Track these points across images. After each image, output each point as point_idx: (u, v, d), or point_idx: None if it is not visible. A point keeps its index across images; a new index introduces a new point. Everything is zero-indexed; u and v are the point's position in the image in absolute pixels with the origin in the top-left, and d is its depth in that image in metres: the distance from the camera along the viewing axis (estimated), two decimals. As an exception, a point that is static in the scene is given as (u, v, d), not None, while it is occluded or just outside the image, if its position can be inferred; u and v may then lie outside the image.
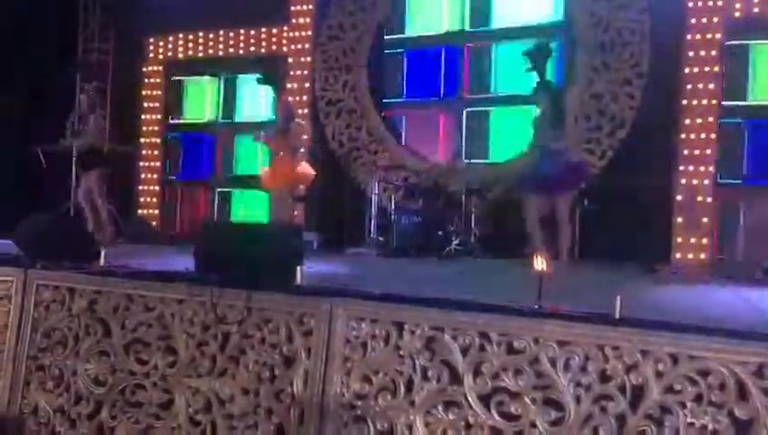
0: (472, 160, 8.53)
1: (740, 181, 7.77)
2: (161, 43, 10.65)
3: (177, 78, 10.79)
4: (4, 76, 9.37)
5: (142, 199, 10.53)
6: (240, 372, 3.63)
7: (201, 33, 10.39)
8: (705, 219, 7.56)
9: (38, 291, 4.24)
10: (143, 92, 10.67)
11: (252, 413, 3.56)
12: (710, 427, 2.72)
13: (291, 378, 3.50)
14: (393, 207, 8.25)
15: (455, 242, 7.78)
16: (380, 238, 8.23)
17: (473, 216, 8.04)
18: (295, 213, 7.18)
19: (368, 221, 8.55)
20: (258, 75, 6.73)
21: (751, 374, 2.70)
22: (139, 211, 10.41)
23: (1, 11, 9.57)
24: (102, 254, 4.47)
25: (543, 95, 5.65)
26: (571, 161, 5.70)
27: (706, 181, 7.60)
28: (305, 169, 6.62)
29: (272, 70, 7.34)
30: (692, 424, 2.75)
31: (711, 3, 7.65)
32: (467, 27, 9.07)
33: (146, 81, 10.69)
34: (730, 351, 2.74)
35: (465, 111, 9.05)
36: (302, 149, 6.93)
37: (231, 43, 10.24)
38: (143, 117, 10.66)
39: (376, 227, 8.37)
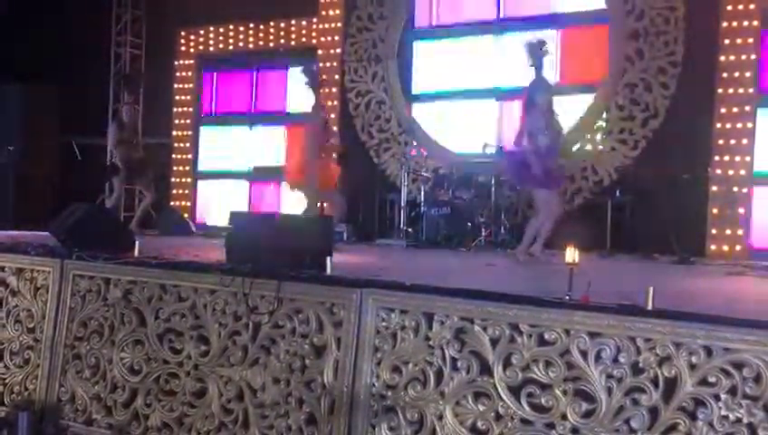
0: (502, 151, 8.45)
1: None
2: (192, 37, 10.76)
3: (208, 71, 10.89)
4: (40, 68, 9.54)
5: (175, 191, 10.67)
6: (271, 361, 3.67)
7: (231, 27, 10.47)
8: (741, 210, 7.43)
9: (74, 281, 4.33)
10: (175, 86, 10.80)
11: (283, 402, 3.60)
12: (745, 420, 2.68)
13: (321, 368, 3.53)
14: (423, 198, 8.24)
15: (484, 233, 7.75)
16: (410, 230, 8.23)
17: (503, 207, 8.00)
18: (325, 205, 7.20)
19: (397, 212, 8.55)
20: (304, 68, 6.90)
21: (787, 367, 2.65)
22: (172, 203, 10.55)
23: (36, 6, 9.76)
24: (137, 244, 4.53)
25: (543, 91, 5.67)
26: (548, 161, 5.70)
27: (743, 172, 7.46)
28: (333, 168, 6.75)
29: (313, 68, 7.46)
30: (726, 417, 2.71)
31: (747, -11, 7.49)
32: (502, 15, 8.97)
33: (177, 74, 10.81)
34: (765, 343, 2.69)
35: (499, 103, 8.98)
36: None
37: (261, 35, 10.30)
38: (174, 110, 10.78)
39: (405, 218, 8.37)
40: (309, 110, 7.04)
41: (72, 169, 10.11)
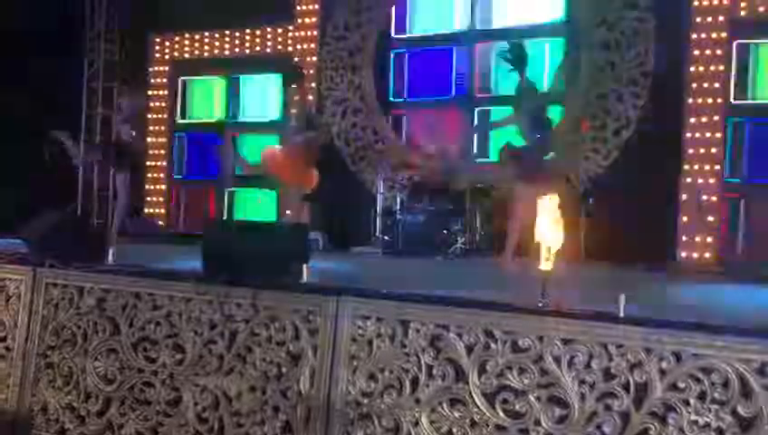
0: (477, 159, 8.52)
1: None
2: (167, 43, 10.70)
3: (182, 78, 10.83)
4: (12, 74, 9.42)
5: (149, 199, 10.58)
6: (247, 369, 3.66)
7: (207, 33, 10.44)
8: (710, 218, 7.56)
9: (47, 289, 4.29)
10: (149, 92, 10.72)
11: (259, 411, 3.59)
12: (713, 425, 2.74)
13: (297, 376, 3.53)
14: (398, 206, 8.27)
15: (460, 241, 7.80)
16: (386, 237, 8.25)
17: (478, 214, 8.06)
18: (303, 213, 7.22)
19: (373, 220, 8.57)
20: (287, 73, 6.90)
21: (754, 372, 2.71)
22: (146, 210, 10.46)
23: (8, 11, 9.64)
24: (111, 252, 4.50)
25: (526, 96, 5.71)
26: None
27: (712, 180, 7.60)
28: (313, 171, 6.74)
29: (298, 69, 7.50)
30: (695, 422, 2.76)
31: (716, 2, 7.64)
32: (477, 26, 9.06)
33: (152, 81, 10.74)
34: (733, 349, 2.76)
35: (474, 111, 9.06)
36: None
37: (237, 42, 10.28)
38: (149, 116, 10.70)
39: (381, 225, 8.39)
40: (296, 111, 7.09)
41: (44, 175, 9.98)
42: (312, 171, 6.84)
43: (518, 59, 5.78)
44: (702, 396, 2.77)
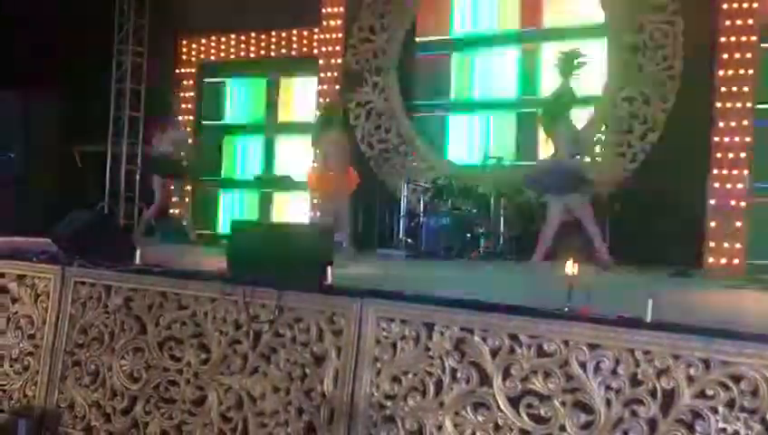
0: (502, 162, 8.49)
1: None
2: (194, 46, 10.81)
3: (210, 80, 10.94)
4: (41, 74, 9.58)
5: (175, 199, 10.68)
6: (271, 370, 3.68)
7: (233, 36, 10.53)
8: (738, 223, 7.46)
9: (75, 288, 4.34)
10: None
11: (282, 411, 3.61)
12: (742, 432, 2.69)
13: (321, 377, 3.54)
14: (422, 208, 8.26)
15: (483, 244, 7.78)
16: (409, 240, 8.25)
17: (502, 218, 8.03)
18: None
19: (397, 223, 8.58)
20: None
21: (784, 380, 2.67)
22: (171, 211, 10.56)
23: (37, 14, 9.80)
24: (138, 252, 4.55)
25: (568, 102, 5.73)
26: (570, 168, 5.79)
27: (740, 185, 7.50)
28: (353, 176, 6.93)
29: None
30: (724, 430, 2.72)
31: (746, 5, 7.55)
32: (501, 28, 9.02)
33: (179, 83, 10.86)
34: (763, 356, 2.71)
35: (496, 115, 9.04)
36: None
37: (263, 44, 10.36)
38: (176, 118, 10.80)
39: (405, 228, 8.39)
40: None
41: (73, 176, 10.14)
42: (352, 172, 7.06)
43: (571, 66, 5.79)
44: (731, 404, 2.73)
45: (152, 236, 8.78)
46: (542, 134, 6.71)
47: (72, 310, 4.32)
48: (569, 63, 5.85)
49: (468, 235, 7.83)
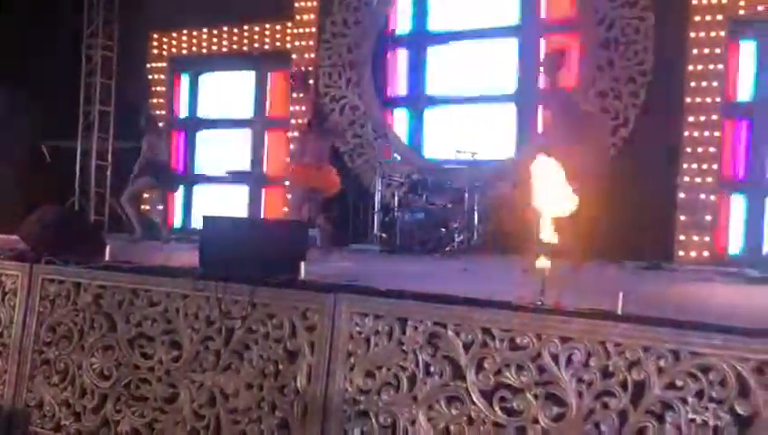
0: (475, 157, 8.52)
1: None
2: (165, 40, 10.67)
3: (180, 74, 10.82)
4: (11, 71, 9.40)
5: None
6: (244, 366, 3.65)
7: (205, 30, 10.41)
8: (708, 217, 7.56)
9: (43, 285, 4.27)
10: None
11: (255, 408, 3.59)
12: (711, 423, 2.73)
13: (294, 373, 3.53)
14: (396, 203, 8.26)
15: (458, 239, 7.80)
16: (383, 235, 8.25)
17: (476, 212, 8.06)
18: (304, 211, 7.28)
19: (371, 217, 8.56)
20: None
21: (752, 371, 2.70)
22: (143, 207, 10.43)
23: (7, 8, 9.62)
24: (107, 249, 4.49)
25: (552, 101, 5.72)
26: None
27: (710, 179, 7.60)
28: (335, 176, 6.91)
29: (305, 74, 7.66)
30: (693, 420, 2.76)
31: (715, 0, 7.64)
32: (477, 23, 9.03)
33: (150, 77, 10.72)
34: (732, 347, 2.75)
35: (467, 108, 9.06)
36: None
37: (235, 39, 10.26)
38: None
39: (379, 223, 8.38)
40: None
41: (42, 171, 9.98)
42: (333, 173, 7.03)
43: (555, 65, 5.78)
44: (700, 394, 2.76)
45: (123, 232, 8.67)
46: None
47: (41, 308, 4.25)
48: (553, 63, 5.84)
49: (443, 229, 7.85)
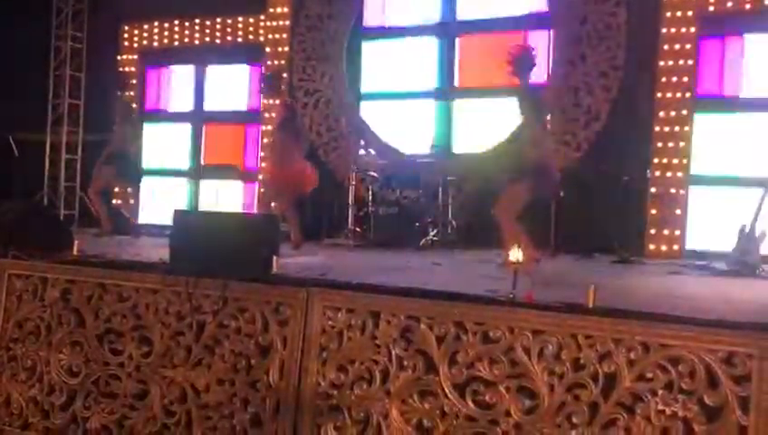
0: (451, 151, 8.52)
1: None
2: (136, 32, 10.52)
3: (152, 66, 10.68)
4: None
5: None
6: (215, 362, 3.62)
7: (177, 22, 10.28)
8: (677, 211, 7.66)
9: (10, 281, 4.20)
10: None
11: (227, 403, 3.56)
12: (680, 414, 2.76)
13: (267, 368, 3.50)
14: (371, 197, 8.24)
15: (432, 233, 7.81)
16: (358, 229, 8.23)
17: (450, 206, 8.07)
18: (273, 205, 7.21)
19: (345, 212, 8.53)
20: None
21: (720, 362, 2.74)
22: (114, 201, 10.29)
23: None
24: (75, 243, 4.42)
25: (525, 102, 5.70)
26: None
27: (680, 174, 7.69)
28: (312, 173, 6.85)
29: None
30: (662, 411, 2.79)
31: (686, -4, 7.73)
32: (456, 17, 9.02)
33: (120, 69, 10.55)
34: (700, 339, 2.78)
35: (444, 103, 9.06)
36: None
37: (207, 31, 10.14)
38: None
39: (353, 217, 8.36)
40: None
41: (11, 166, 9.80)
42: (308, 171, 6.97)
43: (526, 66, 5.74)
44: (669, 386, 2.80)
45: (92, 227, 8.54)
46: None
47: (7, 304, 4.18)
48: (523, 63, 5.82)
49: (417, 224, 7.85)
